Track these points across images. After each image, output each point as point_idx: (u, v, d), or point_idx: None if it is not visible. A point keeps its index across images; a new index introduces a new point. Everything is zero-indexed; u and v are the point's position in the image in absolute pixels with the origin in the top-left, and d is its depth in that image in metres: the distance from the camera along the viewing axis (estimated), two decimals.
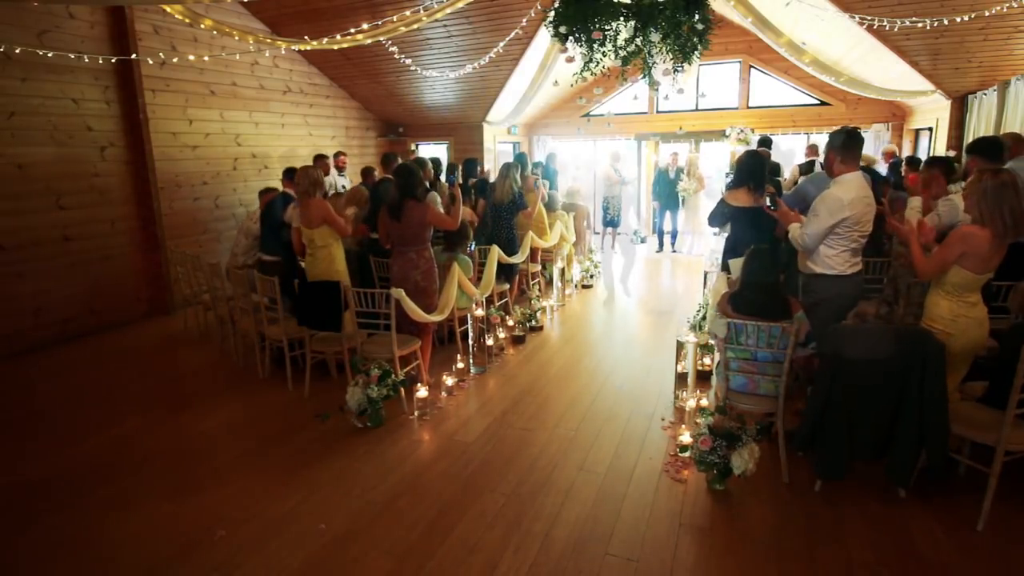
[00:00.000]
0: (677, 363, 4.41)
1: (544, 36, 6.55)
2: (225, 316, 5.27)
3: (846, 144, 3.26)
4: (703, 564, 2.55)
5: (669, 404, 4.12)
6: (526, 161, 7.13)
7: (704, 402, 3.79)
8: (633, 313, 6.64)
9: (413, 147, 10.91)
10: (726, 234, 4.54)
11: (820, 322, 3.29)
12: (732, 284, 3.68)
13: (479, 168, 8.12)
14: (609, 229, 10.10)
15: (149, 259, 6.74)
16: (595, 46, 4.86)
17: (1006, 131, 5.88)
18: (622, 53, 4.92)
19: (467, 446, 3.61)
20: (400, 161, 5.97)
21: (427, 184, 5.53)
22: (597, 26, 4.76)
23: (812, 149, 8.09)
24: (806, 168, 6.86)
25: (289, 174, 5.28)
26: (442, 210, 5.17)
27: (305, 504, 3.04)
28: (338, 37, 6.25)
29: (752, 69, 10.33)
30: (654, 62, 4.95)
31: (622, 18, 4.76)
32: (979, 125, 7.12)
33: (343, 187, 7.48)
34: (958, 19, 5.57)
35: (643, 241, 10.91)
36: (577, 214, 8.18)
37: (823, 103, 9.99)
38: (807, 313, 3.29)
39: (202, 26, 6.41)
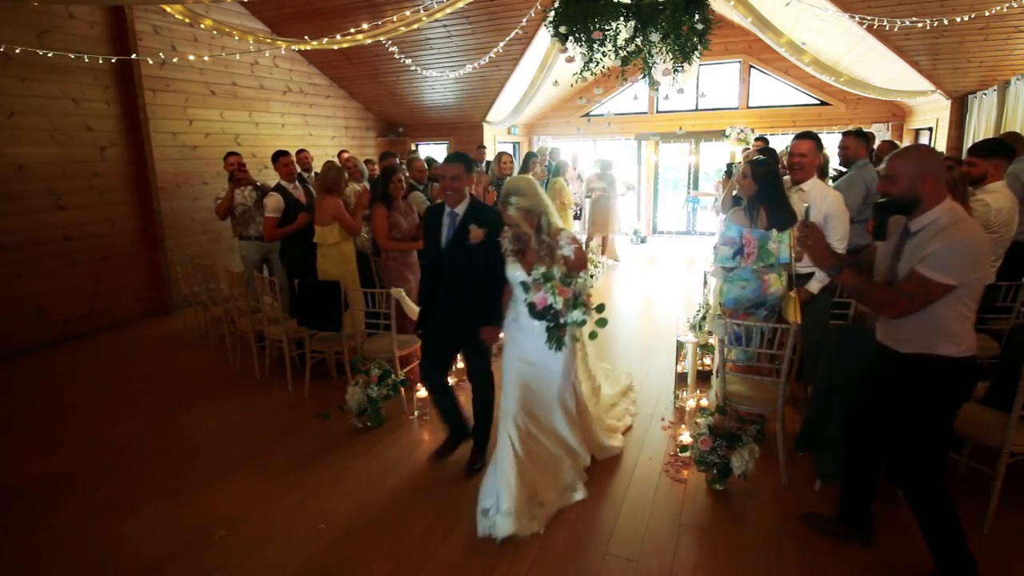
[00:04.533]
0: (677, 363, 4.41)
1: (544, 36, 6.54)
2: (221, 316, 5.27)
3: None
4: (703, 564, 2.55)
5: (669, 404, 4.11)
6: (530, 163, 7.07)
7: (704, 402, 3.79)
8: (632, 313, 6.64)
9: (413, 147, 10.89)
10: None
11: (814, 321, 3.29)
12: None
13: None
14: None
15: (149, 259, 6.74)
16: (595, 46, 4.86)
17: (1006, 131, 5.88)
18: (622, 53, 4.92)
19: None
20: (396, 159, 5.95)
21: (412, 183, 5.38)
22: (597, 26, 4.76)
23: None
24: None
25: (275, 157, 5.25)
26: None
27: (305, 504, 3.04)
28: (338, 37, 6.25)
29: (752, 69, 10.34)
30: (654, 62, 4.95)
31: (622, 18, 4.76)
32: (979, 125, 7.11)
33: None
34: (958, 19, 5.57)
35: (643, 241, 10.91)
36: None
37: (823, 103, 9.99)
38: (801, 311, 3.28)
39: (202, 26, 6.41)
